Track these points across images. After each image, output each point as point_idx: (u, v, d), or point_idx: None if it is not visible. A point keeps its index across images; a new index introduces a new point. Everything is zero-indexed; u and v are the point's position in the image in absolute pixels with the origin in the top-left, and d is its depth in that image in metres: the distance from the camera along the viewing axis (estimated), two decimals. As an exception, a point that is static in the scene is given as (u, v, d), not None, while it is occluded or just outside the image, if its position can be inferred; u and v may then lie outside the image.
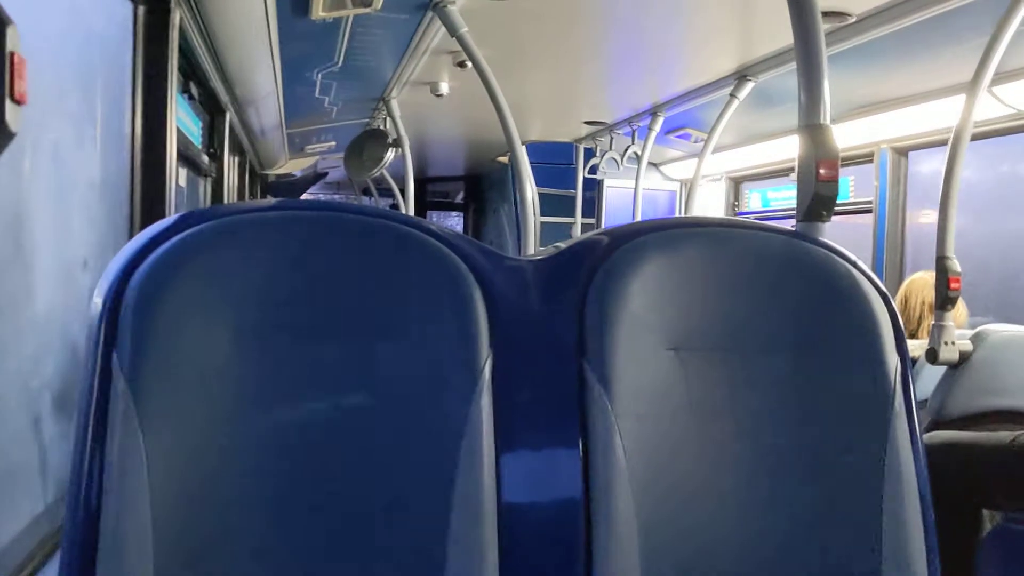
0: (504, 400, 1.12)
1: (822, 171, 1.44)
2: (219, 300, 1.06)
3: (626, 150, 5.39)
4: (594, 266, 1.18)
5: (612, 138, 5.63)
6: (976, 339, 2.68)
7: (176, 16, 2.22)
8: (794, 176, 1.52)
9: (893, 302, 1.25)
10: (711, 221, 1.32)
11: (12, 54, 0.71)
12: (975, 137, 2.85)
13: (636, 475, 1.11)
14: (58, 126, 1.68)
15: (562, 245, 1.30)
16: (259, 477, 1.06)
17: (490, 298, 1.14)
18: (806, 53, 1.50)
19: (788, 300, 1.22)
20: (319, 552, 1.06)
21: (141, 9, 2.15)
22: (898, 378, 1.19)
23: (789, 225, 1.48)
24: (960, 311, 3.22)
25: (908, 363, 1.22)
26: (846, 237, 4.46)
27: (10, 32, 0.71)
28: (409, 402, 1.10)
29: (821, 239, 1.30)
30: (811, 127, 1.47)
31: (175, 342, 1.03)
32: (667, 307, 1.18)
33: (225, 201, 4.22)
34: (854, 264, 1.24)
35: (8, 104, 0.71)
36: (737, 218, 5.01)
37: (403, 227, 1.16)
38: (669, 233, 1.24)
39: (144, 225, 2.00)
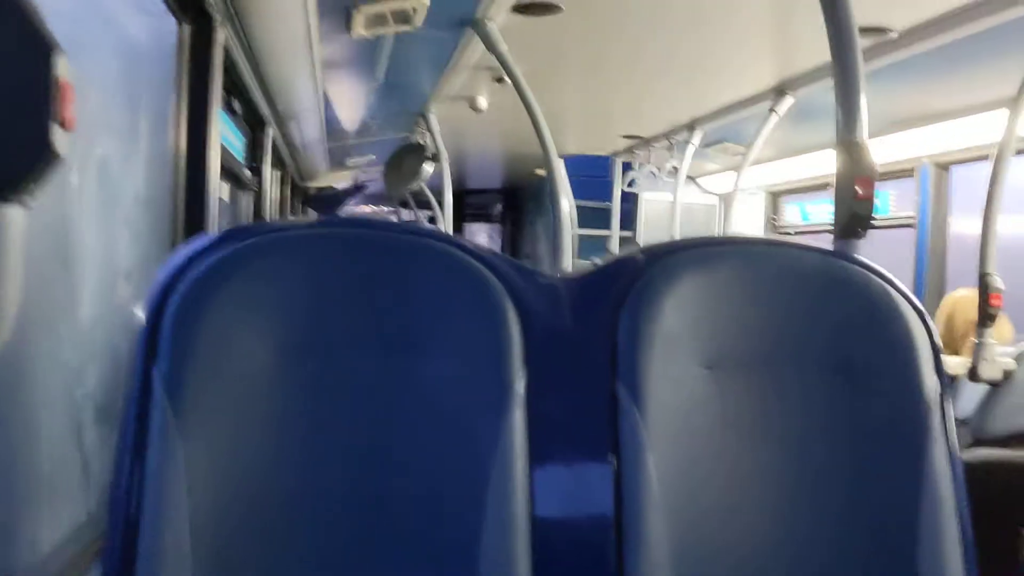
0: (537, 416, 1.12)
1: (859, 189, 1.43)
2: (258, 316, 1.08)
3: (664, 164, 5.37)
4: (628, 284, 1.19)
5: (650, 151, 5.62)
6: (1020, 357, 2.64)
7: (221, 34, 2.26)
8: (832, 191, 1.51)
9: (931, 321, 1.23)
10: (746, 239, 1.32)
11: (61, 81, 0.73)
12: (1020, 152, 2.81)
13: (668, 494, 1.11)
14: (105, 142, 1.72)
15: (598, 262, 1.30)
16: (295, 490, 1.08)
17: (524, 315, 1.15)
18: (843, 70, 1.49)
19: (824, 319, 1.21)
20: (354, 562, 1.08)
21: (186, 28, 2.19)
22: (936, 398, 1.18)
23: (827, 239, 1.48)
24: (1005, 327, 3.16)
25: (947, 382, 1.21)
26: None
27: (59, 59, 0.73)
28: (443, 417, 1.11)
29: (858, 257, 1.29)
30: (848, 144, 1.47)
31: (214, 357, 1.05)
32: (701, 325, 1.18)
33: (266, 214, 4.28)
34: (891, 283, 1.23)
35: (56, 130, 0.73)
36: (772, 236, 4.98)
37: (439, 244, 1.17)
38: (703, 251, 1.24)
39: (187, 239, 2.04)
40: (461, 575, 1.07)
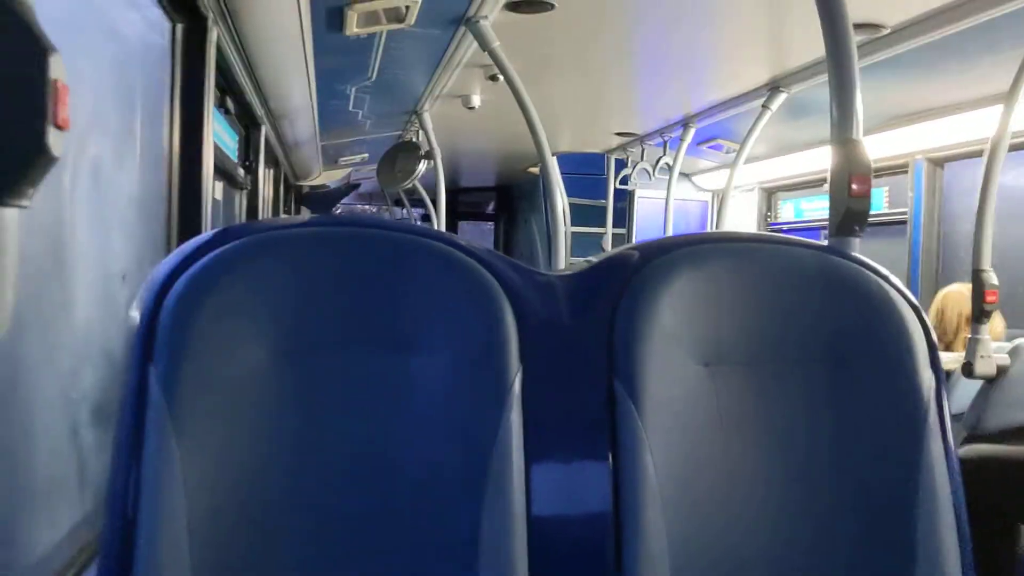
0: (534, 414, 1.12)
1: (854, 186, 1.43)
2: (254, 315, 1.08)
3: (657, 161, 5.37)
4: (624, 281, 1.19)
5: (643, 149, 5.62)
6: (1014, 353, 2.65)
7: (214, 33, 2.26)
8: (827, 187, 1.52)
9: (926, 317, 1.24)
10: (741, 236, 1.32)
11: (56, 81, 0.73)
12: (1013, 148, 2.81)
13: (666, 490, 1.11)
14: (98, 143, 1.72)
15: (593, 259, 1.30)
16: (292, 488, 1.08)
17: (520, 313, 1.15)
18: (838, 68, 1.49)
19: (819, 315, 1.21)
20: (352, 561, 1.08)
21: (179, 27, 2.18)
22: (931, 394, 1.18)
23: (822, 235, 1.47)
24: (997, 324, 3.17)
25: (942, 378, 1.21)
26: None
27: (53, 60, 0.73)
28: (440, 415, 1.11)
29: (853, 254, 1.29)
30: (843, 142, 1.47)
31: (210, 356, 1.05)
32: (697, 322, 1.18)
33: (260, 213, 4.27)
34: (886, 279, 1.24)
35: (51, 130, 0.73)
36: (767, 233, 4.99)
37: (434, 243, 1.17)
38: (699, 248, 1.24)
39: (181, 239, 2.03)
40: (459, 573, 1.07)
